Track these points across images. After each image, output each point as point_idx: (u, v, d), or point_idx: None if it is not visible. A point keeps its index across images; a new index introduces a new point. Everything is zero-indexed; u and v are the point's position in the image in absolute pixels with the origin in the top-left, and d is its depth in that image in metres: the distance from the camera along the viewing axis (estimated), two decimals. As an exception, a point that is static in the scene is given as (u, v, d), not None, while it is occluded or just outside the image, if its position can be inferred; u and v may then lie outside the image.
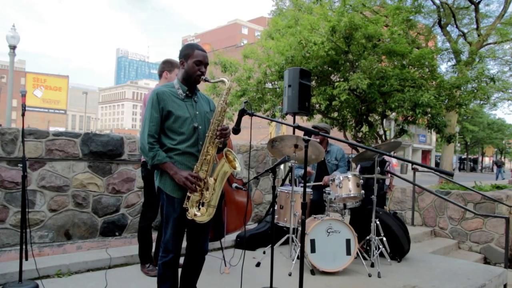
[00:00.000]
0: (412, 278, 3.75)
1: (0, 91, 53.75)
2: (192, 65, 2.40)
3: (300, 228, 3.51)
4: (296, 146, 3.84)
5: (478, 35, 12.83)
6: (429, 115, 9.12)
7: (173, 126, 2.35)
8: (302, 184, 3.84)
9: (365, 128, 9.80)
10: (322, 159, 4.07)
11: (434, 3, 12.95)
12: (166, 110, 2.33)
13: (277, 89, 10.12)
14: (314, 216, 3.98)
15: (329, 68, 9.39)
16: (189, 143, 2.37)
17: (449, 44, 13.17)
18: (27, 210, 3.01)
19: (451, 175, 3.92)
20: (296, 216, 3.95)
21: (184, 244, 2.49)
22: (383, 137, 10.30)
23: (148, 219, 3.46)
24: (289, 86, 4.89)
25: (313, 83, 9.39)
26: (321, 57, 8.68)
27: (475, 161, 53.69)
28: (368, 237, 4.07)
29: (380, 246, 4.05)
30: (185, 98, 2.42)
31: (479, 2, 12.96)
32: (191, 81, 2.43)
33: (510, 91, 16.38)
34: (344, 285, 3.52)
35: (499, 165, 30.48)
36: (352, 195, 3.97)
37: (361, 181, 4.12)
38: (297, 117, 5.33)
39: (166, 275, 2.40)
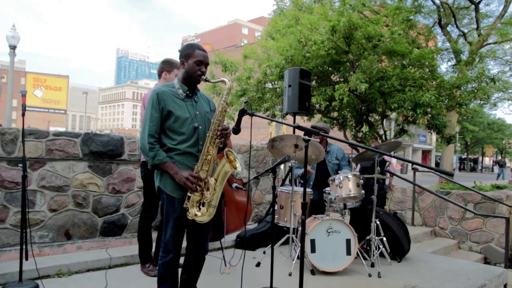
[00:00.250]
0: (412, 278, 3.75)
1: (0, 91, 53.77)
2: (192, 65, 2.39)
3: (300, 228, 3.50)
4: (296, 146, 3.84)
5: (478, 35, 12.82)
6: (429, 115, 9.11)
7: (173, 126, 2.35)
8: (302, 184, 3.84)
9: (365, 128, 9.80)
10: (322, 159, 4.07)
11: (434, 3, 12.95)
12: (166, 110, 2.33)
13: (277, 89, 10.12)
14: (314, 216, 3.98)
15: (329, 68, 9.39)
16: (189, 143, 2.37)
17: (449, 44, 13.16)
18: (27, 210, 3.01)
19: (451, 175, 3.92)
20: (296, 216, 3.95)
21: (184, 244, 2.49)
22: (383, 137, 10.29)
23: (147, 219, 3.46)
24: (289, 86, 4.88)
25: (313, 83, 9.38)
26: (321, 56, 8.67)
27: (475, 161, 53.68)
28: (368, 237, 4.07)
29: (380, 246, 4.05)
30: (185, 98, 2.42)
31: (479, 2, 12.95)
32: (191, 81, 2.43)
33: (510, 91, 16.38)
34: (344, 285, 3.52)
35: (501, 164, 30.43)
36: (352, 195, 3.97)
37: (361, 181, 4.12)
38: (298, 118, 5.33)
39: (166, 275, 2.40)
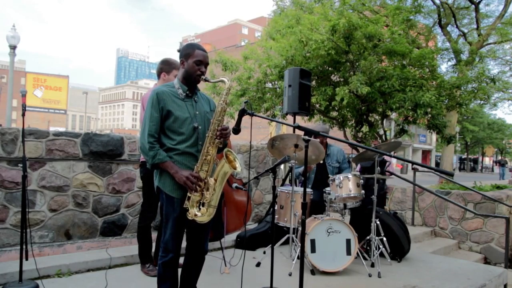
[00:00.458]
0: (412, 278, 3.75)
1: (0, 91, 53.77)
2: (192, 64, 2.39)
3: (300, 228, 3.50)
4: (296, 146, 3.84)
5: (478, 35, 12.81)
6: (430, 115, 9.11)
7: (172, 126, 2.35)
8: (302, 184, 3.83)
9: (365, 128, 9.80)
10: (323, 159, 4.07)
11: (434, 3, 12.94)
12: (166, 110, 2.33)
13: (277, 89, 10.12)
14: (314, 216, 3.98)
15: (329, 68, 9.39)
16: (189, 143, 2.36)
17: (449, 44, 13.15)
18: (27, 210, 3.01)
19: (451, 175, 3.92)
20: (296, 216, 3.95)
21: (184, 244, 2.49)
22: (383, 137, 10.29)
23: (147, 219, 3.46)
24: (289, 86, 4.89)
25: (313, 83, 9.38)
26: (321, 56, 8.67)
27: (475, 161, 53.67)
28: (368, 237, 4.07)
29: (380, 246, 4.04)
30: (185, 98, 2.42)
31: (479, 2, 12.95)
32: (191, 80, 2.43)
33: (510, 91, 16.36)
34: (344, 285, 3.52)
35: (502, 164, 30.43)
36: (352, 195, 3.97)
37: (361, 181, 4.12)
38: (299, 118, 5.32)
39: (166, 275, 2.40)
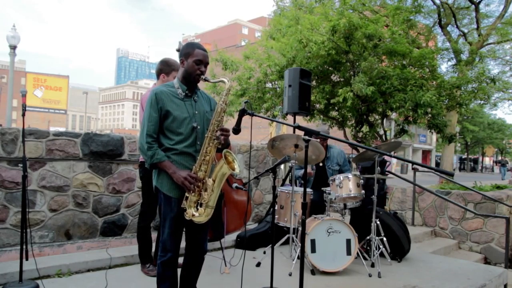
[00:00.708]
0: (412, 278, 3.75)
1: (1, 91, 53.79)
2: (192, 64, 2.38)
3: (300, 228, 3.50)
4: (296, 146, 3.84)
5: (479, 35, 12.80)
6: (430, 115, 9.11)
7: (171, 126, 2.34)
8: (302, 184, 3.83)
9: (365, 128, 9.79)
10: (322, 159, 4.06)
11: (434, 3, 12.93)
12: (164, 110, 2.33)
13: (277, 89, 10.12)
14: (315, 216, 3.98)
15: (329, 68, 9.38)
16: (187, 143, 2.36)
17: (449, 44, 13.14)
18: (27, 210, 3.01)
19: (452, 175, 3.91)
20: (297, 216, 3.95)
21: (184, 244, 2.49)
22: (383, 137, 10.29)
23: (147, 219, 3.46)
24: (289, 86, 4.89)
25: (313, 83, 9.38)
26: (322, 56, 8.67)
27: (475, 161, 53.68)
28: (368, 237, 4.07)
29: (381, 246, 4.04)
30: (184, 97, 2.41)
31: (479, 2, 12.94)
32: (190, 80, 2.42)
33: (510, 91, 16.35)
34: (344, 285, 3.52)
35: (503, 163, 30.43)
36: (352, 195, 3.98)
37: (361, 181, 4.12)
38: (300, 118, 5.32)
39: (166, 275, 2.40)
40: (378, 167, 4.03)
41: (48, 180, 3.78)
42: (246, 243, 4.37)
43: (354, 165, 6.43)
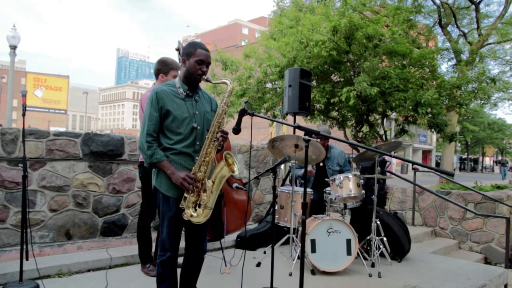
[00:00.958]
0: (413, 278, 3.75)
1: (1, 91, 53.80)
2: (193, 64, 2.37)
3: (300, 228, 3.50)
4: (296, 146, 3.84)
5: (479, 35, 12.80)
6: (430, 114, 9.11)
7: (171, 126, 2.34)
8: (302, 184, 3.83)
9: (365, 128, 9.79)
10: (323, 159, 4.06)
11: (434, 3, 12.93)
12: (165, 109, 2.33)
13: (278, 89, 10.11)
14: (315, 216, 3.98)
15: (330, 68, 9.38)
16: (186, 143, 2.36)
17: (449, 44, 13.13)
18: (27, 210, 3.01)
19: (452, 175, 3.92)
20: (297, 216, 3.95)
21: (183, 244, 2.49)
22: (384, 137, 10.29)
23: (147, 219, 3.46)
24: (290, 86, 4.89)
25: (314, 83, 9.38)
26: (322, 57, 8.67)
27: (475, 161, 53.67)
28: (368, 237, 4.07)
29: (381, 246, 4.04)
30: (185, 97, 2.41)
31: (479, 2, 12.94)
32: (192, 80, 2.41)
33: (510, 91, 16.34)
34: (344, 285, 3.52)
35: (503, 163, 30.41)
36: (352, 195, 3.97)
37: (362, 181, 4.12)
38: (300, 119, 5.32)
39: (165, 274, 2.40)
40: (378, 167, 4.03)
41: (48, 180, 3.78)
42: (246, 243, 4.37)
43: (354, 165, 6.42)
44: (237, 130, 2.70)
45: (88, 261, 3.56)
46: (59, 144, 3.84)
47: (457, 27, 13.76)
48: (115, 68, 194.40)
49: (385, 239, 4.17)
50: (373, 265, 3.95)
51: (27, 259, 3.01)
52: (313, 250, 3.69)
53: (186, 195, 2.31)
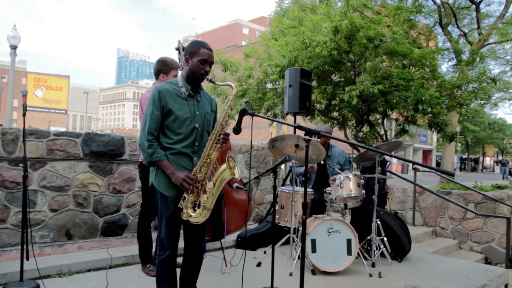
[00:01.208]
0: (413, 278, 3.75)
1: (1, 91, 53.81)
2: (196, 63, 2.36)
3: (301, 228, 3.50)
4: (297, 146, 3.84)
5: (479, 35, 12.80)
6: (430, 114, 9.10)
7: (172, 125, 2.34)
8: (302, 183, 3.83)
9: (366, 128, 9.79)
10: (323, 159, 4.06)
11: (434, 3, 12.93)
12: (167, 108, 2.32)
13: (278, 88, 10.11)
14: (315, 216, 3.97)
15: (330, 68, 9.38)
16: (186, 144, 2.36)
17: (449, 44, 13.13)
18: (28, 210, 3.01)
19: (452, 175, 3.91)
20: (297, 216, 3.95)
21: (182, 244, 2.49)
22: (384, 137, 10.28)
23: (147, 219, 3.46)
24: (290, 86, 4.89)
25: (314, 83, 9.37)
26: (323, 56, 8.67)
27: (476, 161, 53.64)
28: (369, 237, 4.07)
29: (381, 246, 4.04)
30: (187, 97, 2.40)
31: (480, 2, 12.94)
32: (194, 79, 2.40)
33: (511, 91, 16.33)
34: (345, 285, 3.52)
35: (503, 163, 30.39)
36: (353, 195, 3.97)
37: (362, 181, 4.11)
38: (300, 119, 5.32)
39: (165, 273, 2.40)
40: (379, 167, 4.03)
41: (49, 180, 3.79)
42: (247, 243, 4.37)
43: (354, 165, 6.41)
44: (237, 130, 2.70)
45: (88, 261, 3.56)
46: (59, 144, 3.84)
47: (458, 27, 13.76)
48: (116, 68, 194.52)
49: (385, 239, 4.17)
50: (373, 265, 3.95)
51: (27, 259, 3.01)
52: (314, 250, 3.69)
53: (185, 195, 2.31)
